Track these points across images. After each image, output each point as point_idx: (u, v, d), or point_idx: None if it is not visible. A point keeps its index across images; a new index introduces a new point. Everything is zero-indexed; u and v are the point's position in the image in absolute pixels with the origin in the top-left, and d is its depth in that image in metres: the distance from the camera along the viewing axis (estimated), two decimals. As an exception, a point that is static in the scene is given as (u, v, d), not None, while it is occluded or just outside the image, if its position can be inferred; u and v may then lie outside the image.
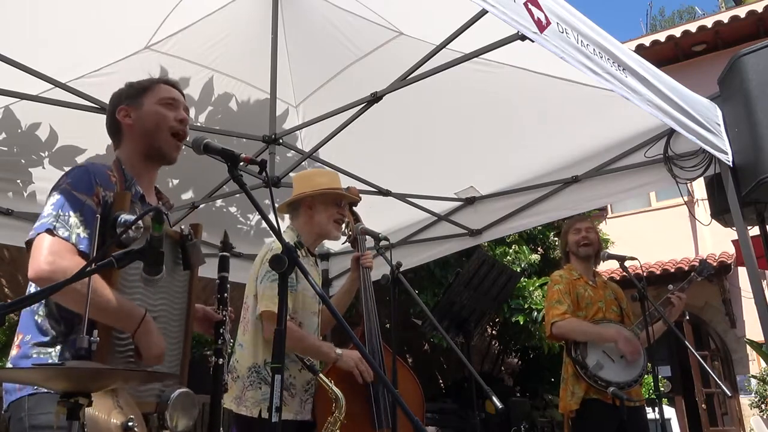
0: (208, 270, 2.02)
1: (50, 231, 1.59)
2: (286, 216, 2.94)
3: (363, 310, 2.73)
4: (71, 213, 1.63)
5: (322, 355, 2.65)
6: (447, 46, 2.91)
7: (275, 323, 2.48)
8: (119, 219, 1.63)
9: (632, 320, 3.49)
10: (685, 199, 3.54)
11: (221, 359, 1.85)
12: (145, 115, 1.87)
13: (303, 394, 2.60)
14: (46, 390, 1.54)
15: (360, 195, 2.92)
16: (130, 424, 1.47)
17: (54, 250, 1.57)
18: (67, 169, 1.81)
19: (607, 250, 3.61)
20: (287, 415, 2.50)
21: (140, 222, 1.54)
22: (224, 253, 1.93)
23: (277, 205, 2.74)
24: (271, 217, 1.56)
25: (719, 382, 3.52)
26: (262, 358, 2.55)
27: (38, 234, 1.60)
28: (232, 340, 1.91)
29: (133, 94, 1.90)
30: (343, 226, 2.83)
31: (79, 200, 1.65)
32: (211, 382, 1.82)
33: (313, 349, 2.62)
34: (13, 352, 1.65)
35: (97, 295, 1.50)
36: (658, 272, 9.61)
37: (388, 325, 4.56)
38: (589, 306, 3.40)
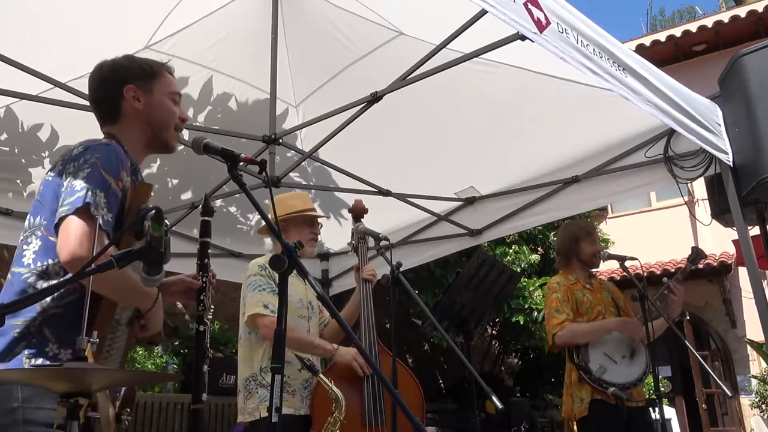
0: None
1: (80, 210, 1.54)
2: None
3: (361, 321, 2.76)
4: (99, 192, 1.58)
5: (318, 349, 2.73)
6: (447, 46, 2.91)
7: (264, 320, 2.57)
8: (146, 213, 1.65)
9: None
10: (686, 199, 3.52)
11: (202, 326, 1.80)
12: (156, 106, 1.83)
13: (303, 391, 2.67)
14: None
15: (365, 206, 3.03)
16: (123, 416, 1.53)
17: (85, 232, 1.52)
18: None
19: (607, 250, 3.60)
20: (287, 410, 2.58)
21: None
22: (205, 218, 1.88)
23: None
24: (271, 217, 1.56)
25: (720, 383, 3.51)
26: (258, 366, 2.66)
27: (72, 212, 1.54)
28: (213, 307, 1.87)
29: (143, 75, 1.84)
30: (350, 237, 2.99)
31: (106, 181, 1.61)
32: (195, 351, 1.79)
33: (306, 342, 2.71)
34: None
35: (125, 279, 1.54)
36: (658, 272, 9.60)
37: (388, 326, 4.54)
38: (589, 311, 3.40)
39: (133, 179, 1.76)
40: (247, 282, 2.73)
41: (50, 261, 1.60)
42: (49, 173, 1.70)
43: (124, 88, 1.81)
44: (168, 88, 1.88)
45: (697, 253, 3.51)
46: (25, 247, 1.64)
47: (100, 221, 1.54)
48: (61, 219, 1.55)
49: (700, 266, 3.58)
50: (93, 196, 1.56)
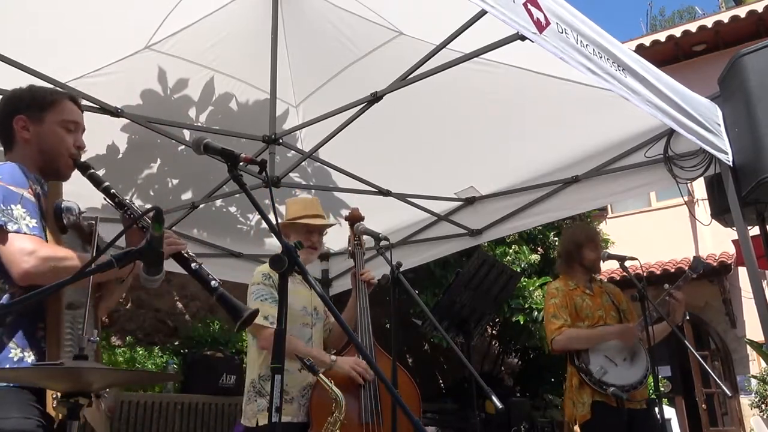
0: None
1: (1, 228, 1.62)
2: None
3: (358, 325, 2.75)
4: (12, 206, 1.66)
5: (315, 360, 2.70)
6: (447, 46, 2.91)
7: (264, 332, 2.58)
8: (61, 206, 1.73)
9: (633, 322, 3.48)
10: (685, 199, 3.53)
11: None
12: (45, 135, 1.86)
13: (300, 399, 2.67)
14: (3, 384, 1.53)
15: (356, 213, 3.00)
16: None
17: (22, 245, 1.61)
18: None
19: (607, 250, 3.60)
20: (285, 418, 2.57)
21: (74, 208, 1.71)
22: (90, 171, 1.89)
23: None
24: (271, 217, 1.56)
25: (719, 383, 3.51)
26: (257, 372, 2.68)
27: None
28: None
29: (36, 105, 1.88)
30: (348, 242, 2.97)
31: (16, 194, 1.68)
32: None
33: (304, 354, 2.67)
34: None
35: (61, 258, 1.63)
36: (658, 272, 9.60)
37: (388, 326, 4.54)
38: (590, 315, 3.40)
39: (42, 189, 1.80)
40: (250, 290, 2.75)
41: None
42: None
43: (14, 118, 1.86)
44: (61, 117, 1.89)
45: (698, 263, 3.50)
46: None
47: (25, 229, 1.64)
48: None
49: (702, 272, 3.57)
50: (5, 213, 1.64)
